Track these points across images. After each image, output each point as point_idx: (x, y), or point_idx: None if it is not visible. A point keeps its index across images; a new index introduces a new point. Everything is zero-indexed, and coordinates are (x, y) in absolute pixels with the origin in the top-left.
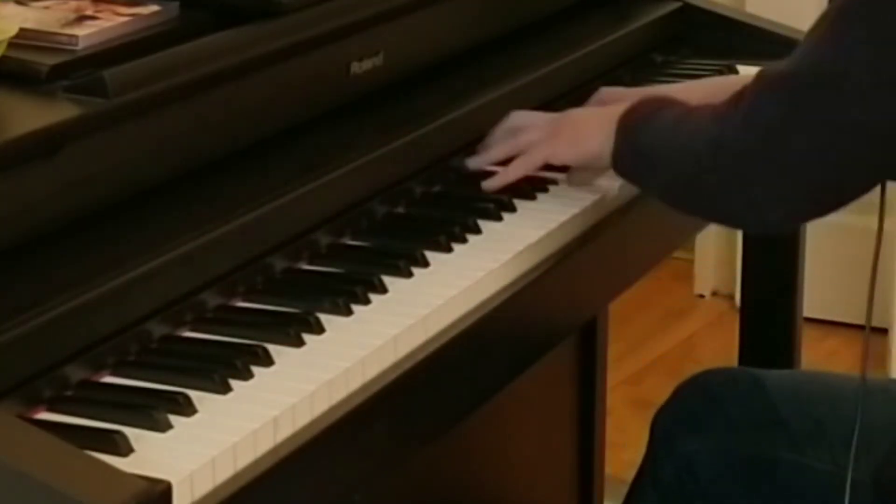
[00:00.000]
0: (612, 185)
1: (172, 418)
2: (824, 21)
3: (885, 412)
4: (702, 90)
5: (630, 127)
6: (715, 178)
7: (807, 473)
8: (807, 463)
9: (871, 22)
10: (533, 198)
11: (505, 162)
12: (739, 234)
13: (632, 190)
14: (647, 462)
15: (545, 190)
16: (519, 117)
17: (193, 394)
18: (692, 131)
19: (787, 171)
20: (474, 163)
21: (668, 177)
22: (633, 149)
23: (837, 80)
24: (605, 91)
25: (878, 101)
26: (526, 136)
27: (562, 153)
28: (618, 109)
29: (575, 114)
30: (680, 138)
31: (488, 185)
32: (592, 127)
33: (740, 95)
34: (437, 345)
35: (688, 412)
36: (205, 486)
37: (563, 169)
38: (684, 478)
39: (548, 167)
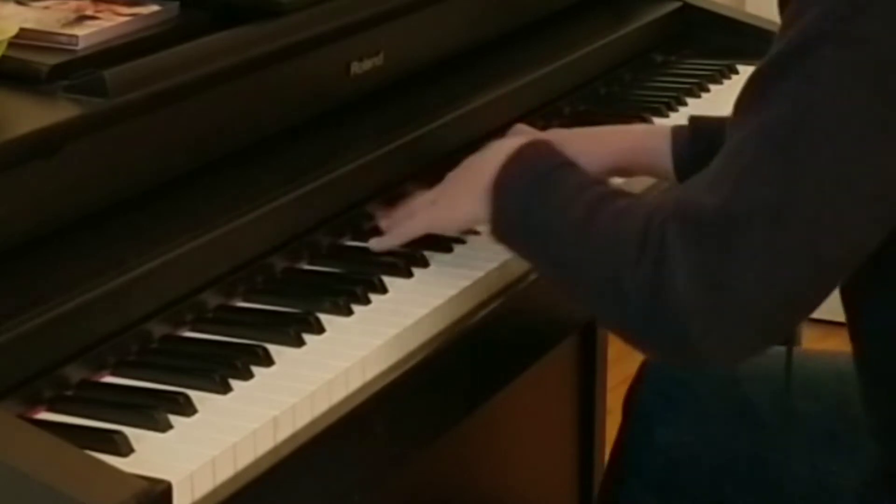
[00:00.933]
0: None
1: (172, 418)
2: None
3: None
4: (592, 139)
5: (508, 189)
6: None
7: (786, 472)
8: (783, 461)
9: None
10: None
11: None
12: None
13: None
14: (624, 449)
15: None
16: (427, 197)
17: (193, 394)
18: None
19: (731, 311)
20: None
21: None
22: (515, 217)
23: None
24: (520, 127)
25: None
26: (416, 200)
27: (439, 224)
28: (484, 164)
29: (454, 174)
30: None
31: (375, 245)
32: (465, 187)
33: (651, 238)
34: (437, 345)
35: (661, 395)
36: (205, 486)
37: None
38: (667, 469)
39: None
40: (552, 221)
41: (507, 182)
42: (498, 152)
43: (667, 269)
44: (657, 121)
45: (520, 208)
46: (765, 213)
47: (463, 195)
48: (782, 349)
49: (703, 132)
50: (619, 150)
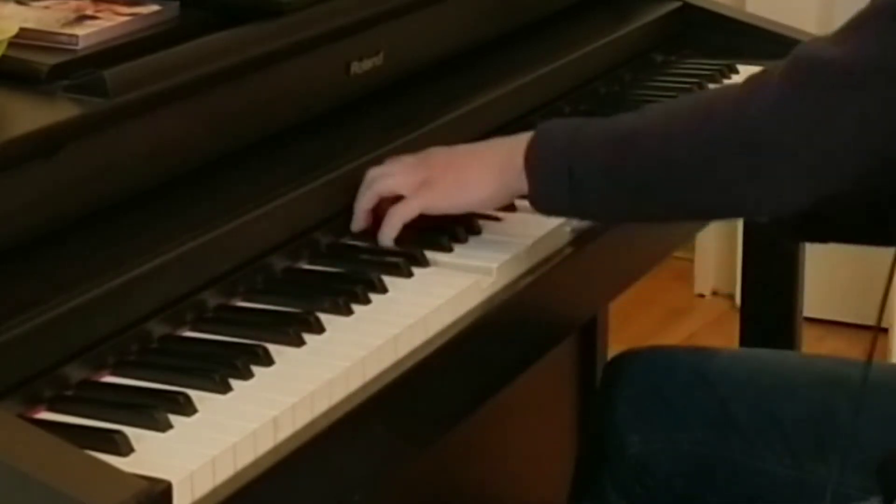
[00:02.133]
0: None
1: (172, 418)
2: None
3: (849, 407)
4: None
5: (560, 149)
6: (732, 167)
7: (766, 477)
8: (764, 467)
9: None
10: None
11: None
12: (740, 234)
13: None
14: (593, 457)
15: None
16: (373, 170)
17: (193, 394)
18: (689, 127)
19: (828, 155)
20: (355, 223)
21: (655, 184)
22: (580, 168)
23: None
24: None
25: None
26: (390, 181)
27: (442, 203)
28: (505, 146)
29: (446, 154)
30: (673, 139)
31: (381, 239)
32: (477, 170)
33: (769, 80)
34: (437, 345)
35: (630, 403)
36: (205, 486)
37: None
38: (642, 478)
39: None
40: (602, 146)
41: (542, 147)
42: (510, 138)
43: (762, 100)
44: None
45: (562, 159)
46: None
47: (475, 176)
48: (762, 351)
49: None
50: None
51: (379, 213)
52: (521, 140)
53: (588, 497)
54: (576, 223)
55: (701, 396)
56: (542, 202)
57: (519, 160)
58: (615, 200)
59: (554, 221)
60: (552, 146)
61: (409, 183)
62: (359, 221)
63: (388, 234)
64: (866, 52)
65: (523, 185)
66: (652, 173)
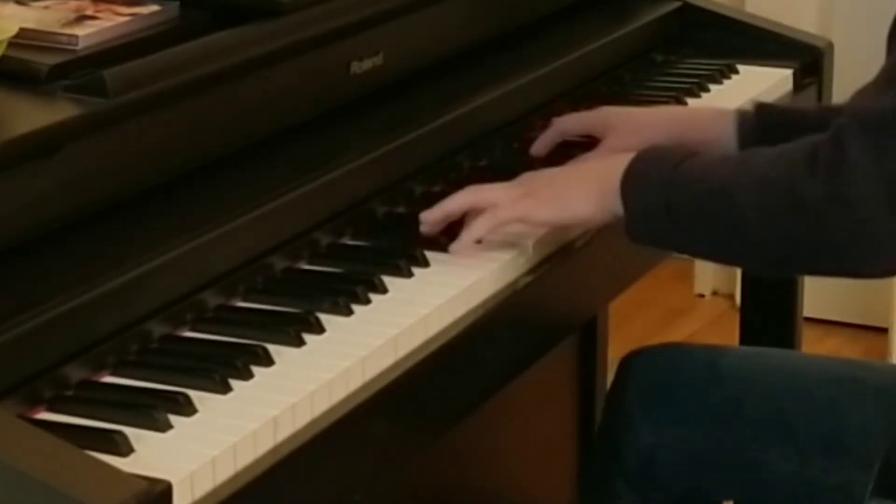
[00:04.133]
0: None
1: (172, 418)
2: None
3: (856, 407)
4: (658, 117)
5: (658, 185)
6: (826, 230)
7: (774, 473)
8: (772, 463)
9: None
10: None
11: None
12: None
13: None
14: (606, 445)
15: None
16: (475, 187)
17: (193, 394)
18: (763, 185)
19: None
20: (430, 216)
21: (743, 235)
22: (677, 208)
23: None
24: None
25: None
26: (489, 193)
27: (542, 214)
28: (604, 168)
29: (546, 174)
30: (750, 194)
31: (455, 248)
32: (578, 189)
33: (832, 144)
34: (437, 345)
35: (642, 396)
36: (205, 486)
37: None
38: (651, 470)
39: None
40: (700, 191)
41: (639, 178)
42: (610, 160)
43: (849, 171)
44: None
45: (660, 196)
46: None
47: (576, 194)
48: (772, 350)
49: (769, 118)
50: (682, 130)
51: (453, 227)
52: (620, 162)
53: (597, 488)
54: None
55: (711, 393)
56: (639, 235)
57: (616, 184)
58: (716, 247)
59: None
60: (649, 181)
61: (509, 195)
62: (431, 223)
63: (471, 234)
64: None
65: (620, 210)
66: (747, 234)
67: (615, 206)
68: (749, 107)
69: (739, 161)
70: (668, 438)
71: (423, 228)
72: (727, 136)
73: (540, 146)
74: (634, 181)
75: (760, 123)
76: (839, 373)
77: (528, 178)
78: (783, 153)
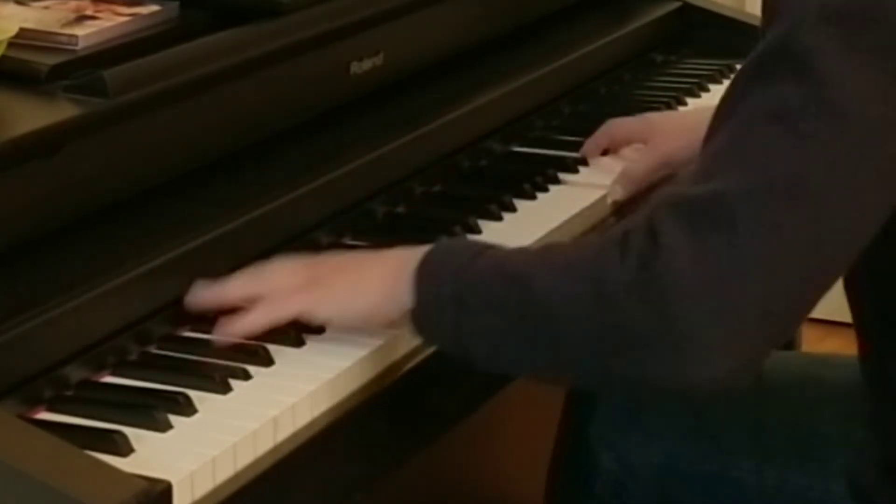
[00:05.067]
0: (614, 188)
1: (172, 418)
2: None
3: (830, 411)
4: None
5: (451, 274)
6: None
7: (743, 486)
8: (742, 476)
9: None
10: (533, 198)
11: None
12: None
13: (630, 192)
14: (569, 475)
15: (545, 190)
16: (267, 265)
17: (193, 394)
18: (569, 279)
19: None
20: (200, 297)
21: (544, 339)
22: (467, 298)
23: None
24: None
25: None
26: (269, 280)
27: (324, 311)
28: (403, 257)
29: (339, 259)
30: (547, 289)
31: (221, 331)
32: (370, 276)
33: (645, 230)
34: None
35: (601, 417)
36: (205, 486)
37: None
38: (619, 493)
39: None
40: (493, 279)
41: (434, 265)
42: (410, 250)
43: (660, 260)
44: None
45: (453, 285)
46: (766, 190)
47: (367, 283)
48: None
49: None
50: None
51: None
52: (420, 252)
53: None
54: (583, 219)
55: (673, 407)
56: (424, 325)
57: (411, 272)
58: (505, 343)
59: (554, 221)
60: (444, 268)
61: (292, 284)
62: (201, 303)
63: (238, 329)
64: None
65: (409, 302)
66: (544, 328)
67: (405, 296)
68: None
69: (544, 248)
70: (633, 458)
71: (189, 306)
72: None
73: (591, 148)
74: (429, 269)
75: None
76: (806, 374)
77: (319, 262)
78: (593, 241)
